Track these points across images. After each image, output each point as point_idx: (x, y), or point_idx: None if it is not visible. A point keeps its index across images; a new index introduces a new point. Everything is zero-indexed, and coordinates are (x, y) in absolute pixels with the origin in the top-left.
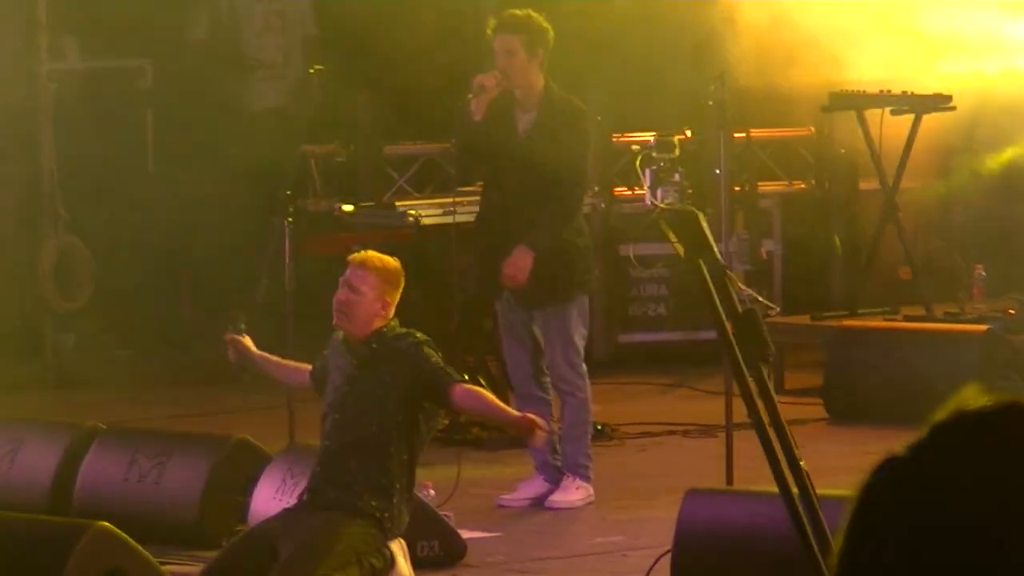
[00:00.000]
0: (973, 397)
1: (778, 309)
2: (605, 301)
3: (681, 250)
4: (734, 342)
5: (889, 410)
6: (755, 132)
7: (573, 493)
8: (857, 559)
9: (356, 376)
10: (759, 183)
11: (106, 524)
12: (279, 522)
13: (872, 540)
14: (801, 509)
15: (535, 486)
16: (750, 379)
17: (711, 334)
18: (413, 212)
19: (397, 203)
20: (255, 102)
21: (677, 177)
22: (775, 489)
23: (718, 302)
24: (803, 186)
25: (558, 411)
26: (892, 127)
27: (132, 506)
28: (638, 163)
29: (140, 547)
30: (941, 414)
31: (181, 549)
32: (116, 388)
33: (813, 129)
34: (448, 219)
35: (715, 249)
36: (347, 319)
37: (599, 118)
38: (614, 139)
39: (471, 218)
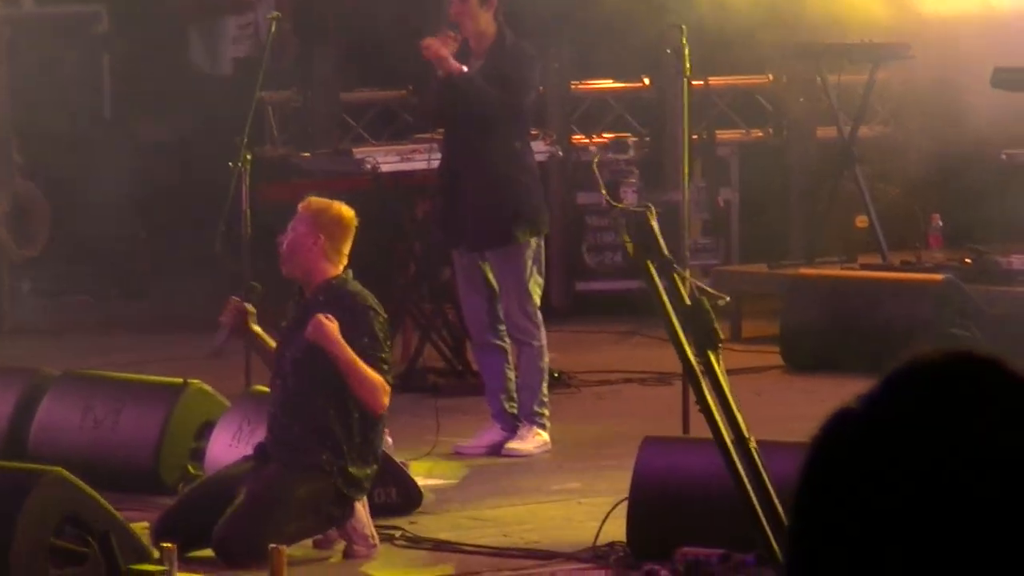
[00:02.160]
0: (928, 348)
1: (727, 298)
2: (562, 249)
3: (631, 249)
4: (683, 339)
5: (845, 358)
6: (713, 80)
7: (529, 441)
8: (811, 512)
9: (297, 329)
10: (717, 131)
11: (61, 470)
12: (238, 470)
13: (825, 493)
14: (751, 490)
15: (492, 433)
16: (698, 365)
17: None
18: (370, 159)
19: (354, 150)
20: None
21: (633, 178)
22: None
23: (666, 301)
24: (761, 135)
25: (515, 359)
26: (851, 74)
27: (88, 452)
28: (595, 163)
29: (96, 493)
30: (894, 365)
31: (137, 495)
32: (72, 335)
33: (771, 77)
34: (406, 166)
35: (663, 248)
36: (286, 261)
37: (556, 65)
38: (573, 87)
39: (428, 165)
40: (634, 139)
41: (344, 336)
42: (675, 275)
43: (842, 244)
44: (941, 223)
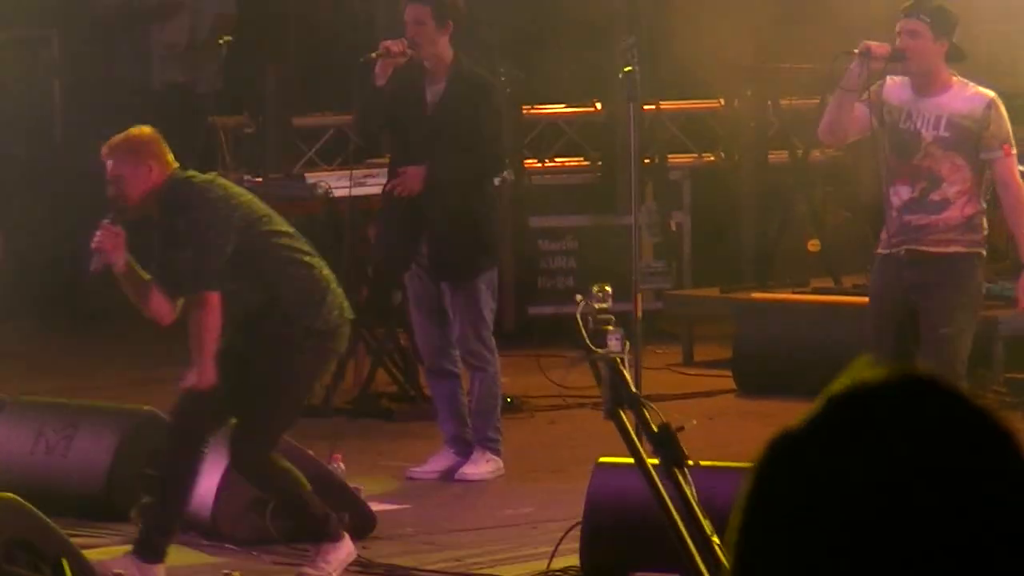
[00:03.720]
0: (868, 369)
1: (695, 422)
2: (514, 273)
3: (606, 396)
4: (662, 492)
5: (798, 382)
6: (665, 104)
7: (483, 465)
8: (752, 536)
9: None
10: (669, 155)
11: (12, 496)
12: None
13: (767, 516)
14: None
15: (444, 459)
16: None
17: (620, 306)
18: (323, 184)
19: (306, 174)
20: (164, 73)
21: (611, 325)
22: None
23: (642, 454)
24: (712, 159)
25: (468, 384)
26: (803, 98)
27: (40, 479)
28: (579, 315)
29: (48, 519)
30: (836, 387)
31: (90, 521)
32: (20, 360)
33: (723, 101)
34: (359, 191)
35: (631, 386)
36: (123, 204)
37: (508, 90)
38: (525, 111)
39: (381, 190)
40: (609, 290)
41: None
42: (643, 408)
43: (794, 268)
44: None
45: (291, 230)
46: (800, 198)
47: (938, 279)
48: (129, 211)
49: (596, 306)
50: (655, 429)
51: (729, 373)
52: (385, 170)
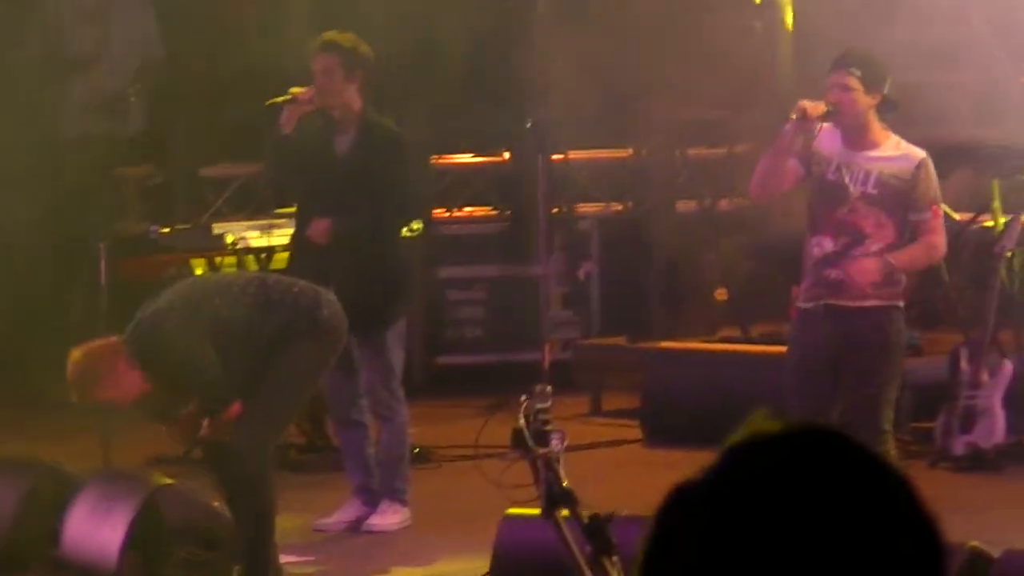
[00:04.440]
0: (766, 422)
1: (625, 511)
2: (422, 323)
3: (543, 495)
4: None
5: (706, 432)
6: (573, 154)
7: (390, 517)
8: None
9: None
10: (577, 205)
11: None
12: None
13: (666, 566)
14: None
15: (352, 510)
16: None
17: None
18: (231, 234)
19: (214, 224)
20: (73, 126)
21: (550, 426)
22: (593, 512)
23: (579, 557)
24: (621, 208)
25: (376, 434)
26: (711, 148)
27: None
28: (522, 414)
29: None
30: (734, 438)
31: None
32: None
33: (631, 151)
34: (266, 241)
35: (562, 481)
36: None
37: (417, 140)
38: (434, 161)
39: (284, 240)
40: (549, 389)
41: None
42: (574, 505)
43: (703, 317)
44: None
45: (253, 276)
46: (708, 247)
47: (857, 335)
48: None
49: (538, 405)
50: (586, 521)
51: (637, 423)
52: (291, 220)
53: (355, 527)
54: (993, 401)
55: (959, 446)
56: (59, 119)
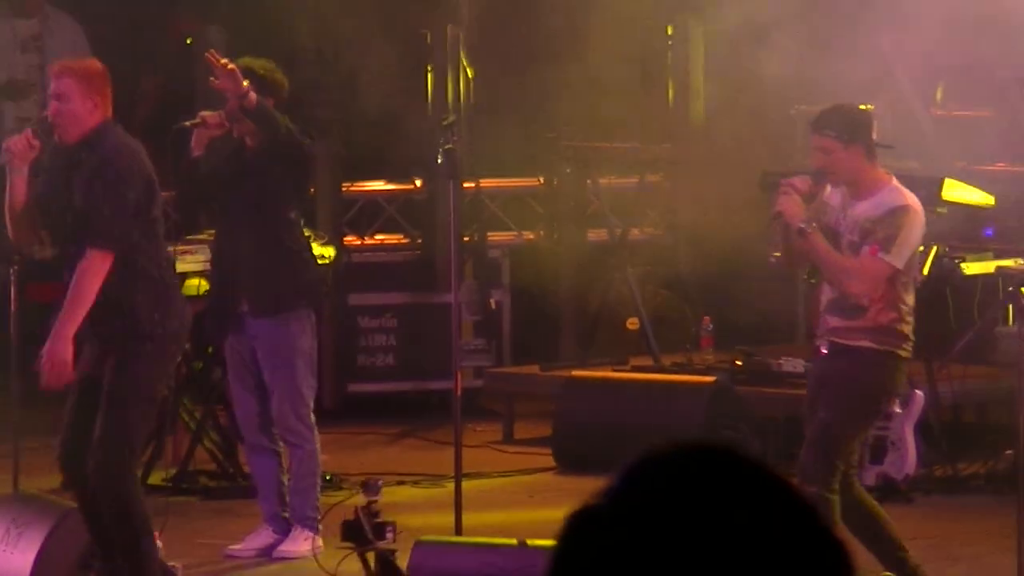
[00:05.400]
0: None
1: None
2: (334, 350)
3: None
4: None
5: (617, 460)
6: (485, 182)
7: (301, 544)
8: None
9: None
10: (488, 233)
11: None
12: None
13: None
14: None
15: (263, 536)
16: None
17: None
18: None
19: None
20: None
21: (381, 519)
22: (504, 540)
23: None
24: (532, 236)
25: (287, 461)
26: (622, 177)
27: None
28: (360, 509)
29: None
30: (630, 461)
31: None
32: None
33: (543, 180)
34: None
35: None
36: (65, 128)
37: (328, 165)
38: (345, 188)
39: (197, 266)
40: (380, 483)
41: (81, 197)
42: None
43: (614, 346)
44: (712, 326)
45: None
46: (619, 276)
47: (839, 366)
48: (56, 133)
49: (372, 500)
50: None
51: (548, 451)
52: (204, 246)
53: (266, 554)
54: (904, 432)
55: (869, 477)
56: None
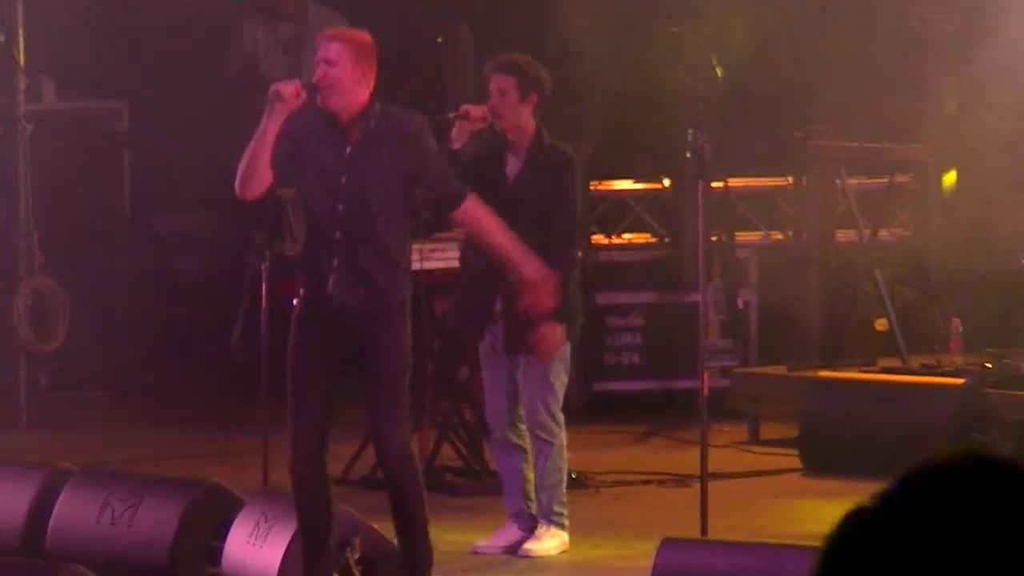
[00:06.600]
0: (942, 451)
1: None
2: (580, 349)
3: None
4: None
5: (864, 462)
6: (733, 182)
7: (547, 541)
8: None
9: (354, 157)
10: (736, 233)
11: (79, 566)
12: (314, 360)
13: None
14: None
15: (509, 534)
16: None
17: (686, 383)
18: None
19: None
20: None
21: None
22: (750, 539)
23: None
24: (780, 237)
25: (533, 458)
26: (872, 178)
27: (104, 549)
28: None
29: None
30: (909, 467)
31: None
32: (90, 430)
33: (791, 180)
34: (427, 265)
35: None
36: (331, 93)
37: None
38: (592, 187)
39: (447, 264)
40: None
41: (414, 169)
42: None
43: (862, 347)
44: (961, 327)
45: None
46: (868, 277)
47: None
48: (321, 96)
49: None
50: None
51: (795, 452)
52: (453, 244)
53: (512, 551)
54: None
55: None
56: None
